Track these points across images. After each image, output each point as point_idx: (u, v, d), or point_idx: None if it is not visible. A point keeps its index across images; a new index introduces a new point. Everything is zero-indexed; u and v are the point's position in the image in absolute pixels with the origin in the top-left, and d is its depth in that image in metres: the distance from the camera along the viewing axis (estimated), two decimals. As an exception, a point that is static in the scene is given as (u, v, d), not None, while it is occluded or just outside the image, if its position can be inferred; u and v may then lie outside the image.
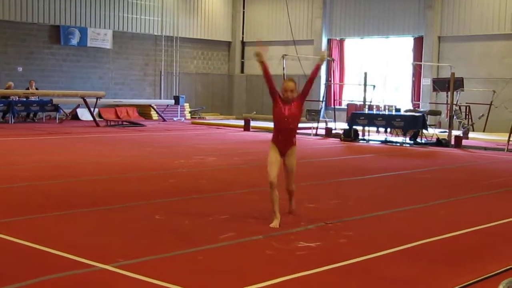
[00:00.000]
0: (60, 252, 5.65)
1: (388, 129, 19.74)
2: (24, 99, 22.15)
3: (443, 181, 11.08)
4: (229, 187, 9.61)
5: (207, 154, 13.67)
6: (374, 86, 21.16)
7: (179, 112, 26.71)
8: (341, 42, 27.11)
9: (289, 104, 7.04)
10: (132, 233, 6.52)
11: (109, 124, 22.18)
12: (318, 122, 20.18)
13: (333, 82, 26.32)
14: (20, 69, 23.57)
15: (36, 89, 22.27)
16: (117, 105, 25.39)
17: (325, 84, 24.84)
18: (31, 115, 22.89)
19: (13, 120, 21.55)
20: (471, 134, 19.59)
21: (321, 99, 24.08)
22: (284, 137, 7.05)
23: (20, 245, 5.91)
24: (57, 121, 22.61)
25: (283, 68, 21.38)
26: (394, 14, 25.17)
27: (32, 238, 6.09)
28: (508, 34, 22.45)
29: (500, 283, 4.78)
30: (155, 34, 27.27)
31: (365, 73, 20.46)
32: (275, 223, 6.86)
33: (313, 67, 7.31)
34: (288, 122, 7.02)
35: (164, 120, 25.18)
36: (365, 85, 20.24)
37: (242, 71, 30.22)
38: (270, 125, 21.73)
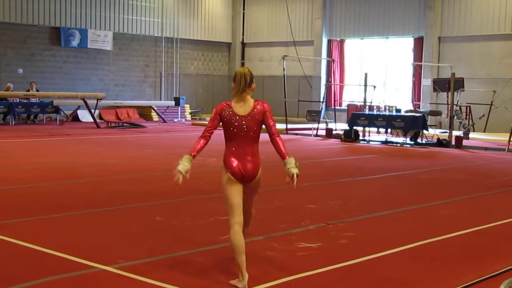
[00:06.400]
0: (61, 254, 5.64)
1: (389, 130, 19.73)
2: (25, 101, 22.15)
3: (443, 181, 11.08)
4: (230, 188, 9.58)
5: (207, 155, 13.61)
6: (374, 87, 21.16)
7: (179, 113, 26.70)
8: (341, 42, 27.11)
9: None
10: (132, 234, 6.52)
11: (109, 125, 22.17)
12: (318, 123, 20.17)
13: (334, 82, 26.31)
14: (20, 71, 23.57)
15: (37, 90, 22.27)
16: (118, 107, 25.39)
17: (326, 85, 24.84)
18: (32, 116, 22.88)
19: (13, 122, 21.54)
20: (471, 135, 19.58)
21: (321, 100, 24.07)
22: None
23: (21, 247, 5.90)
24: (57, 123, 22.61)
25: (284, 69, 21.41)
26: (394, 14, 25.16)
27: (33, 239, 6.09)
28: (508, 34, 22.44)
29: (501, 283, 4.78)
30: (155, 35, 27.27)
31: (366, 74, 20.45)
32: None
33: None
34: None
35: (164, 121, 25.16)
36: (365, 85, 20.24)
37: (242, 72, 30.15)
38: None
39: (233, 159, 5.03)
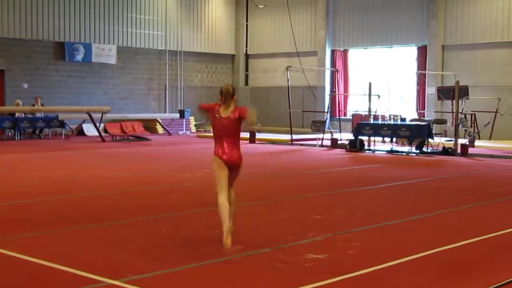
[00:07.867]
0: (68, 268, 5.64)
1: (394, 139, 19.71)
2: (30, 116, 22.22)
3: (450, 190, 11.04)
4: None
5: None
6: (379, 96, 21.16)
7: (184, 125, 26.73)
8: (345, 52, 27.14)
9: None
10: (139, 247, 6.51)
11: (114, 139, 22.21)
12: (323, 133, 20.16)
13: (338, 92, 26.32)
14: (25, 86, 23.65)
15: (42, 105, 22.35)
16: (123, 120, 25.44)
17: (330, 95, 24.84)
18: (37, 131, 22.94)
19: (19, 137, 21.61)
20: (477, 142, 19.52)
21: (326, 110, 24.08)
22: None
23: (27, 262, 5.90)
24: (63, 137, 22.66)
25: (287, 80, 21.44)
26: (398, 23, 25.19)
27: (39, 254, 6.08)
28: (511, 41, 22.43)
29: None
30: (159, 48, 27.36)
31: (370, 83, 20.46)
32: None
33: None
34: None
35: (169, 134, 25.20)
36: (369, 95, 20.23)
37: (246, 84, 30.27)
38: (276, 137, 21.71)
39: (221, 151, 6.52)
